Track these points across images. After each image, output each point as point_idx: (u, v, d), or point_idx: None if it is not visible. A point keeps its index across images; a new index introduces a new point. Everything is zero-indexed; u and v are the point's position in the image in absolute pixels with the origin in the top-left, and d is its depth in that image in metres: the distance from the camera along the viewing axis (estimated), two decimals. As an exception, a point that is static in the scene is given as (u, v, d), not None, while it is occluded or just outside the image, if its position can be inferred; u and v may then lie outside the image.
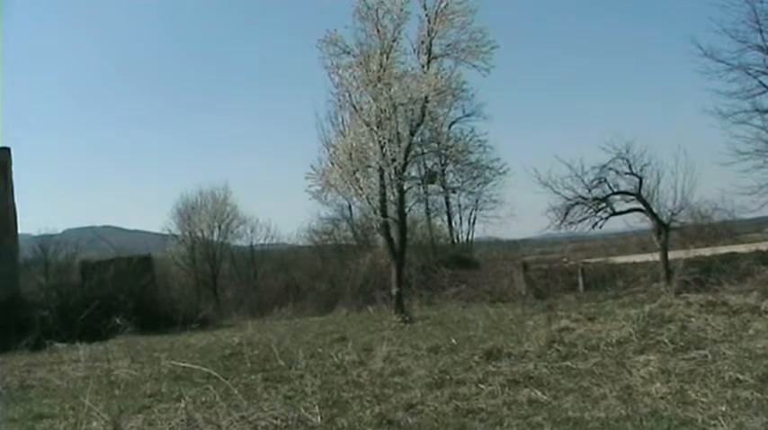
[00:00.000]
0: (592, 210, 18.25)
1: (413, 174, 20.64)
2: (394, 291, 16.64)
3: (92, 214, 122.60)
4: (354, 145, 15.99)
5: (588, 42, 79.78)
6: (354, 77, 16.02)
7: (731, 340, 8.29)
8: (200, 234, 33.22)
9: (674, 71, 56.38)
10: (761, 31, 18.98)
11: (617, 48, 79.48)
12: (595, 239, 28.34)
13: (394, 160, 15.76)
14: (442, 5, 15.87)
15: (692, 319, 9.42)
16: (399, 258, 16.73)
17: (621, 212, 18.40)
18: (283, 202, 72.20)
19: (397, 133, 16.08)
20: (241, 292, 29.35)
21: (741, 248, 20.06)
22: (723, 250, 19.85)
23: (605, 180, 18.15)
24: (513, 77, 69.41)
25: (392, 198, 16.59)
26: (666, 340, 8.40)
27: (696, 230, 22.62)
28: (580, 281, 19.76)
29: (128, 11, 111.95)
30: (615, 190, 18.20)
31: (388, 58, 15.76)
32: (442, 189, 27.95)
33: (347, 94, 16.36)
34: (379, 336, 11.81)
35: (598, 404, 5.97)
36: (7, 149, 19.05)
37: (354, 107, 16.24)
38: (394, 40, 15.95)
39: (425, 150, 18.87)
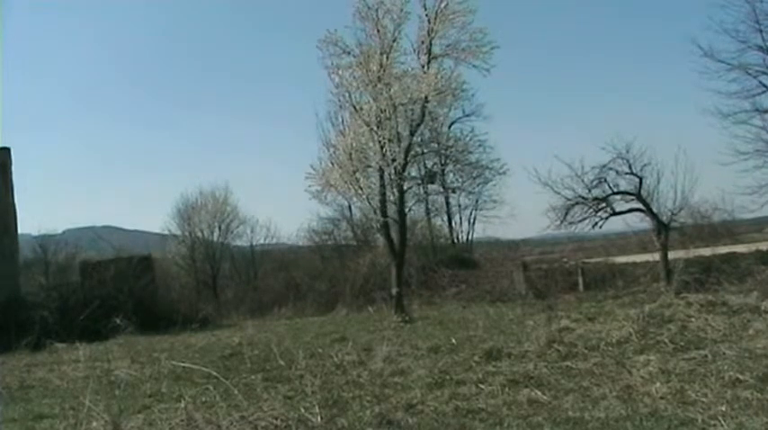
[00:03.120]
0: (592, 210, 18.25)
1: (413, 174, 20.70)
2: (394, 291, 16.64)
3: (92, 214, 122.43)
4: (354, 145, 16.00)
5: (588, 42, 79.83)
6: (354, 77, 16.03)
7: (731, 340, 8.28)
8: (200, 234, 33.21)
9: (674, 71, 56.39)
10: (761, 31, 19.03)
11: (617, 48, 79.59)
12: (595, 239, 28.33)
13: (394, 160, 15.76)
14: (443, 5, 15.89)
15: (692, 319, 9.41)
16: (399, 258, 16.73)
17: (621, 212, 18.41)
18: (283, 202, 72.15)
19: (397, 133, 16.09)
20: (241, 292, 29.32)
21: (741, 248, 20.07)
22: (723, 250, 19.86)
23: (605, 180, 18.17)
24: (513, 77, 69.45)
25: (392, 198, 16.60)
26: (666, 340, 8.40)
27: (696, 230, 22.61)
28: (580, 281, 19.76)
29: (128, 11, 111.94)
30: (615, 190, 18.21)
31: (388, 58, 15.77)
32: (442, 189, 27.99)
33: (347, 94, 16.39)
34: (379, 336, 11.81)
35: (598, 404, 5.97)
36: (7, 149, 19.05)
37: (354, 107, 16.25)
38: (394, 40, 15.97)
39: (425, 150, 18.88)
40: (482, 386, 6.95)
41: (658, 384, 6.36)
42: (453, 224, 30.37)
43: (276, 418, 5.71)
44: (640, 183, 17.78)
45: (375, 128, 15.74)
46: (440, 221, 30.11)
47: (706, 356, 7.40)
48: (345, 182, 16.11)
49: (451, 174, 28.59)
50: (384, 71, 15.62)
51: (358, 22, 15.96)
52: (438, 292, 21.43)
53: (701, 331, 8.85)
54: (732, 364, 6.88)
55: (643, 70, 71.08)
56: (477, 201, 30.06)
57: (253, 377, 8.56)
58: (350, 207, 27.74)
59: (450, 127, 25.64)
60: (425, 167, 24.22)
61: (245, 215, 34.10)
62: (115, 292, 17.62)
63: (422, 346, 10.00)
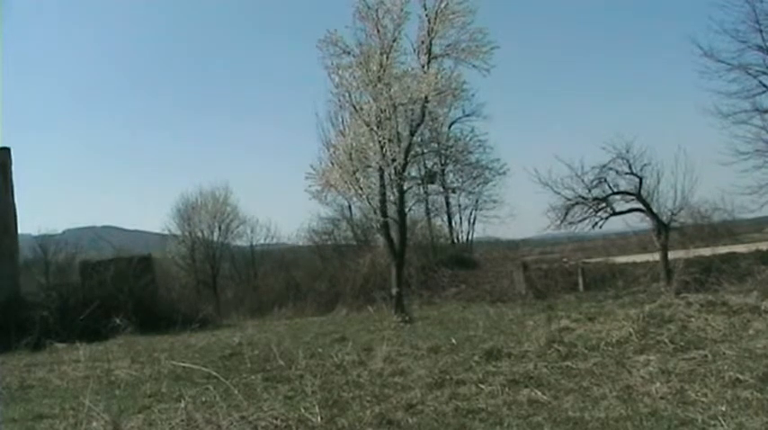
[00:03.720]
0: (592, 210, 18.26)
1: (413, 174, 20.69)
2: (394, 291, 16.63)
3: (92, 214, 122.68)
4: (354, 145, 15.99)
5: (588, 42, 79.94)
6: (354, 77, 16.02)
7: (731, 340, 8.28)
8: (200, 234, 33.27)
9: (675, 71, 56.44)
10: (761, 31, 19.06)
11: (617, 47, 79.65)
12: (595, 239, 28.36)
13: (394, 160, 15.76)
14: (443, 5, 15.88)
15: (692, 319, 9.40)
16: (399, 258, 16.73)
17: (621, 212, 18.42)
18: (283, 202, 72.23)
19: (397, 133, 16.09)
20: (241, 292, 29.37)
21: (741, 248, 20.08)
22: (723, 250, 19.86)
23: (605, 180, 18.19)
24: (513, 77, 69.49)
25: (392, 198, 16.59)
26: (666, 340, 8.40)
27: (696, 230, 22.62)
28: (580, 281, 19.77)
29: (128, 11, 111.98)
30: (615, 190, 18.22)
31: (388, 58, 15.76)
32: (442, 189, 28.02)
33: (347, 94, 16.38)
34: (379, 336, 11.81)
35: (598, 404, 5.97)
36: (7, 149, 19.03)
37: (354, 107, 16.24)
38: (394, 40, 15.96)
39: (425, 150, 18.89)
40: (482, 386, 6.94)
41: (658, 384, 6.36)
42: (453, 224, 30.44)
43: (276, 418, 5.72)
44: (640, 183, 17.79)
45: (375, 128, 15.73)
46: (440, 221, 30.13)
47: (706, 356, 7.40)
48: (345, 182, 16.10)
49: (451, 174, 28.68)
50: (384, 71, 15.61)
51: (358, 22, 15.96)
52: (438, 292, 21.44)
53: (700, 331, 8.85)
54: (732, 364, 6.88)
55: (643, 70, 71.30)
56: (477, 201, 30.13)
57: (253, 377, 8.54)
58: (350, 207, 27.80)
59: (450, 127, 25.70)
60: (425, 167, 24.26)
61: (245, 215, 34.21)
62: (115, 292, 17.60)
63: (422, 346, 9.98)
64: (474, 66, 16.23)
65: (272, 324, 18.09)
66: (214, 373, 7.49)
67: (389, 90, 15.65)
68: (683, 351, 7.90)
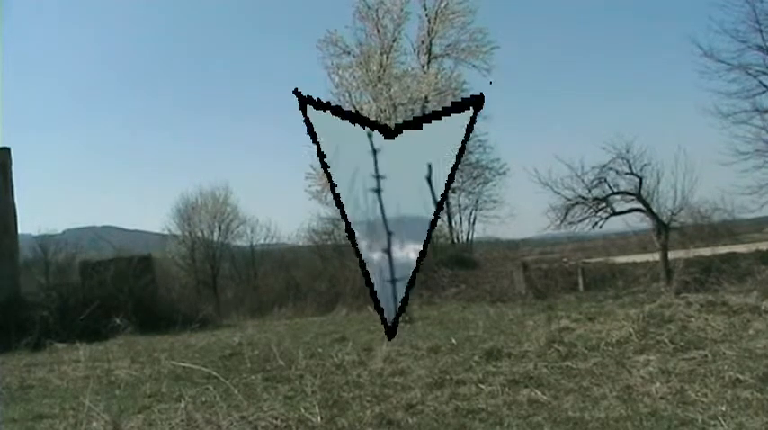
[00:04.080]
0: (592, 210, 18.27)
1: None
2: (394, 291, 16.61)
3: (92, 214, 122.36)
4: (354, 145, 15.99)
5: (588, 42, 79.67)
6: (354, 77, 16.09)
7: (731, 340, 8.28)
8: (200, 234, 33.19)
9: (675, 71, 56.25)
10: (761, 31, 19.05)
11: (617, 47, 79.39)
12: (595, 239, 28.32)
13: (394, 160, 15.75)
14: (442, 5, 15.95)
15: (692, 319, 9.40)
16: (399, 258, 16.70)
17: (621, 212, 18.42)
18: (283, 202, 72.13)
19: (397, 133, 16.08)
20: (241, 292, 29.31)
21: (741, 248, 20.06)
22: (723, 250, 19.84)
23: (605, 180, 18.20)
24: (513, 77, 69.45)
25: (392, 198, 16.58)
26: (666, 340, 8.40)
27: (696, 230, 22.59)
28: (580, 281, 19.75)
29: (128, 11, 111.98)
30: (615, 190, 18.23)
31: (388, 58, 15.80)
32: (442, 189, 27.97)
33: (347, 94, 16.42)
34: (379, 336, 11.78)
35: (598, 404, 5.97)
36: (7, 149, 19.03)
37: (354, 107, 16.25)
38: (394, 40, 16.04)
39: (425, 150, 18.86)
40: (482, 386, 6.95)
41: (658, 384, 6.36)
42: (453, 224, 30.37)
43: (276, 418, 5.72)
44: (640, 183, 17.79)
45: (375, 128, 15.72)
46: (440, 221, 30.08)
47: (706, 356, 7.40)
48: (345, 182, 16.09)
49: (451, 174, 28.57)
50: (384, 71, 15.65)
51: (358, 22, 16.07)
52: (438, 292, 21.41)
53: (700, 331, 8.84)
54: (732, 364, 6.88)
55: (643, 70, 70.89)
56: (477, 201, 30.04)
57: (253, 377, 8.54)
58: (350, 207, 27.71)
59: (450, 127, 25.64)
60: (425, 167, 24.20)
61: (245, 215, 34.11)
62: (115, 292, 17.58)
63: (422, 346, 9.99)
64: (474, 66, 16.31)
65: (272, 324, 18.07)
66: (214, 373, 7.49)
67: (389, 90, 15.69)
68: (683, 351, 7.90)
